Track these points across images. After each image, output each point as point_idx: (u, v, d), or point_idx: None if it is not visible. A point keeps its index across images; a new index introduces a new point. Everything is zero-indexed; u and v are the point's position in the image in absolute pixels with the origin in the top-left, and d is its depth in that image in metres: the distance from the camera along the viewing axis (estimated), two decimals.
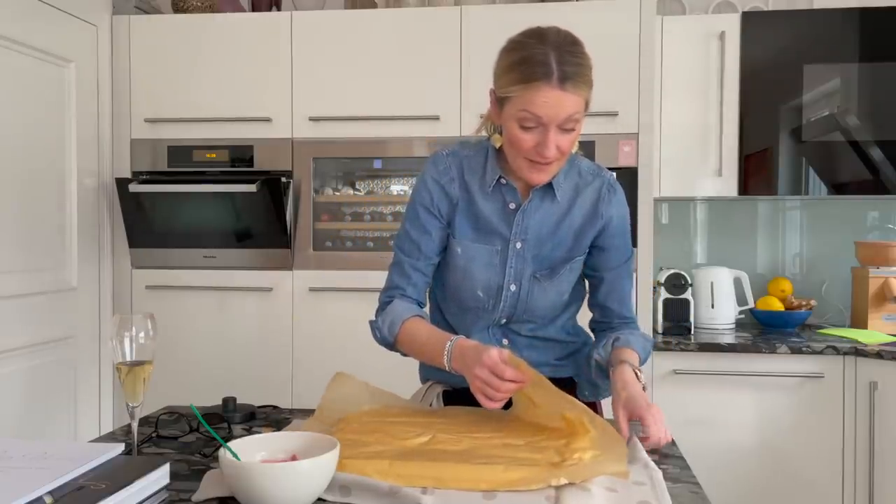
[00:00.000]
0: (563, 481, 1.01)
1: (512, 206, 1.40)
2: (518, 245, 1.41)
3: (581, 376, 1.52)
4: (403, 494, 0.97)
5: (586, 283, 1.54)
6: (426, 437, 1.18)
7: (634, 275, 1.54)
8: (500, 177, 1.39)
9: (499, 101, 1.30)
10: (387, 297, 1.46)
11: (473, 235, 1.42)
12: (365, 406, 1.35)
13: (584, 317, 1.56)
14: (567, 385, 1.46)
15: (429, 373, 1.57)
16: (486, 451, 1.11)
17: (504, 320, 1.46)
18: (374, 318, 1.46)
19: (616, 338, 1.41)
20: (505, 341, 1.48)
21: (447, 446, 1.14)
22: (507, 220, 1.40)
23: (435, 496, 0.98)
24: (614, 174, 1.47)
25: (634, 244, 1.52)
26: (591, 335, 1.56)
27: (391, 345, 1.43)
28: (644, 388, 1.30)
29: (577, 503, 0.97)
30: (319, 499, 0.98)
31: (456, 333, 1.47)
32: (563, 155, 1.29)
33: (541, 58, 1.22)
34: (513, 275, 1.42)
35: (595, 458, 1.08)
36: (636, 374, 1.31)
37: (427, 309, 1.51)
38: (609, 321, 1.49)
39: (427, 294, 1.51)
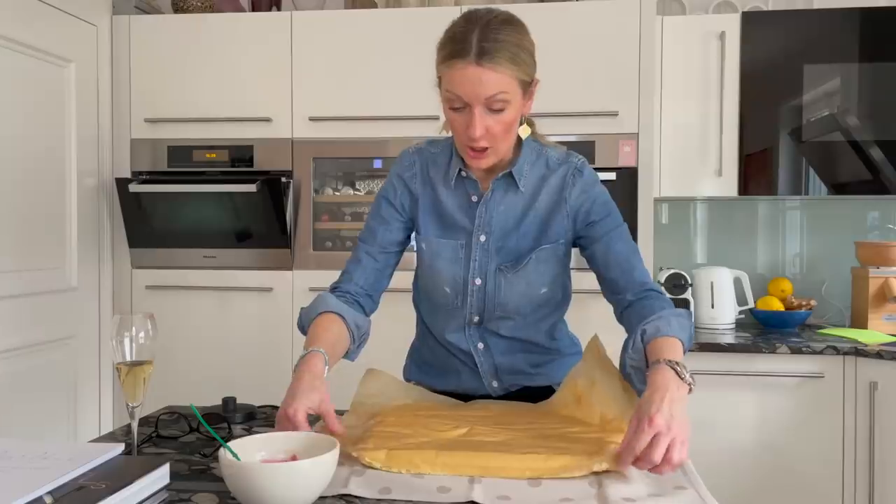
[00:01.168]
0: (605, 466, 1.05)
1: (474, 198, 1.39)
2: (482, 238, 1.39)
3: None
4: (453, 492, 0.99)
5: (572, 285, 1.49)
6: (464, 430, 1.21)
7: None
8: (460, 169, 1.38)
9: (438, 84, 1.30)
10: (331, 286, 1.44)
11: (439, 231, 1.42)
12: (398, 401, 1.38)
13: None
14: (545, 394, 1.40)
15: (412, 375, 1.58)
16: (524, 442, 1.15)
17: (476, 318, 1.42)
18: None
19: (643, 330, 1.19)
20: (481, 345, 1.44)
21: (486, 437, 1.17)
22: (469, 213, 1.39)
23: (483, 484, 1.01)
24: (585, 159, 1.40)
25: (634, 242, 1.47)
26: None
27: (305, 331, 1.38)
28: (690, 389, 1.11)
29: (618, 488, 1.00)
30: (356, 496, 0.99)
31: (433, 335, 1.49)
32: (495, 138, 1.25)
33: (461, 35, 1.21)
34: (476, 268, 1.39)
35: None
36: (676, 371, 1.10)
37: (373, 300, 1.46)
38: (622, 296, 1.33)
39: (376, 283, 1.45)
